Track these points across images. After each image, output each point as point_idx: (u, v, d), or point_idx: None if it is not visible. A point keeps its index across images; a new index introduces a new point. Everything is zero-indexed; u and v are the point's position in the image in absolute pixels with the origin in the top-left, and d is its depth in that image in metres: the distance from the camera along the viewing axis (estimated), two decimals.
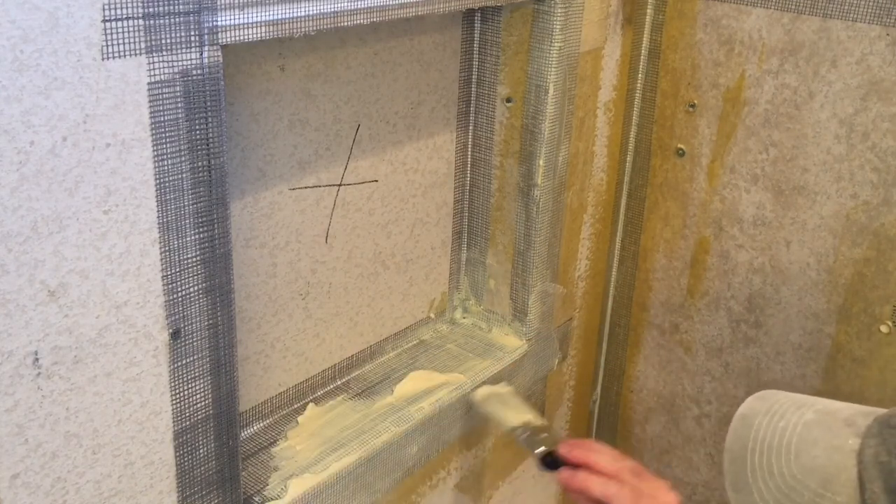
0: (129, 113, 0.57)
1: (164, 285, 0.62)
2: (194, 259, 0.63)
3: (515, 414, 0.96)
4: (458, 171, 1.03)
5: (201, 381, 0.67)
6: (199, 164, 0.61)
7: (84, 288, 0.58)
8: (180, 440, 0.67)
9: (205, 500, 0.71)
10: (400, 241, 0.98)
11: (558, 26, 0.93)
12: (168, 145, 0.59)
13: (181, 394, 0.66)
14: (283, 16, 0.64)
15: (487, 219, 1.06)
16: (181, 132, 0.60)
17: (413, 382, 0.96)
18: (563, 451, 0.86)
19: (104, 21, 0.53)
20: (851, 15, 0.96)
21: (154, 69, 0.57)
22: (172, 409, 0.66)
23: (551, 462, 0.87)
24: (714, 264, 1.15)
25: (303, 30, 0.66)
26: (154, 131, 0.58)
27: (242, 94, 0.75)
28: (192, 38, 0.58)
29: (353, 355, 0.97)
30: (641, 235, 1.21)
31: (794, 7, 1.00)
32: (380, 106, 0.89)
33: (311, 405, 0.91)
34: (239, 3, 0.61)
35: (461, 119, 1.01)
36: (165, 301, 0.63)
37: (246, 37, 0.62)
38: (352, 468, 0.84)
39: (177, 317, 0.64)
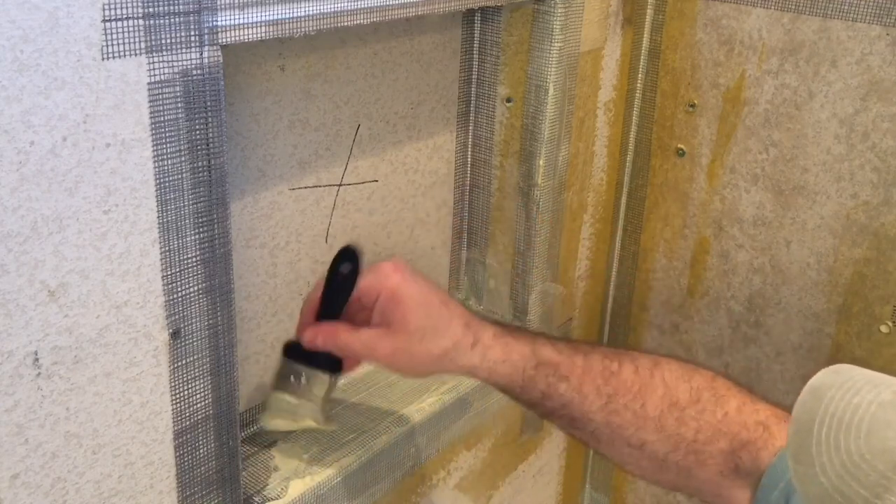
0: (129, 113, 0.57)
1: (164, 285, 0.62)
2: (194, 259, 0.63)
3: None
4: (458, 171, 1.04)
5: (201, 381, 0.67)
6: (199, 164, 0.61)
7: (84, 288, 0.58)
8: (180, 440, 0.67)
9: (205, 500, 0.71)
10: (400, 241, 0.98)
11: (558, 26, 0.93)
12: (168, 145, 0.59)
13: (181, 394, 0.66)
14: (283, 16, 0.64)
15: (487, 219, 1.06)
16: (181, 132, 0.60)
17: None
18: (301, 336, 0.74)
19: (104, 21, 0.53)
20: (851, 15, 0.96)
21: (154, 69, 0.57)
22: (172, 409, 0.66)
23: (306, 355, 0.75)
24: (714, 264, 1.15)
25: (303, 30, 0.66)
26: (154, 131, 0.58)
27: (242, 94, 0.75)
28: (192, 38, 0.58)
29: None
30: (641, 235, 1.21)
31: (794, 7, 1.00)
32: (380, 106, 0.89)
33: None
34: (239, 3, 0.61)
35: (461, 119, 1.01)
36: (165, 301, 0.63)
37: (246, 37, 0.62)
38: (352, 468, 0.84)
39: (177, 317, 0.64)
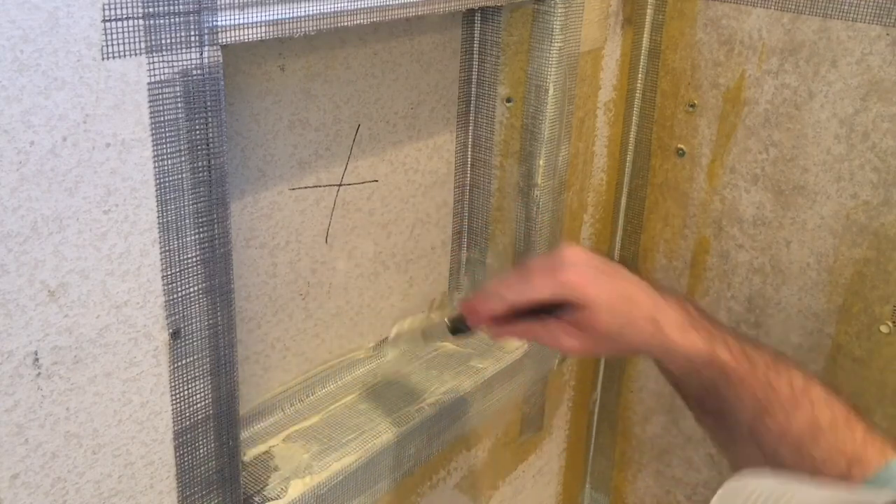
0: (129, 113, 0.57)
1: (164, 285, 0.62)
2: (194, 259, 0.63)
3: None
4: (458, 171, 1.04)
5: (201, 381, 0.67)
6: (199, 164, 0.61)
7: (84, 288, 0.58)
8: (180, 440, 0.67)
9: (205, 500, 0.71)
10: (400, 241, 0.98)
11: (558, 26, 0.93)
12: (168, 145, 0.59)
13: (181, 394, 0.66)
14: (283, 16, 0.64)
15: (487, 219, 1.06)
16: (181, 132, 0.60)
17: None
18: (466, 311, 0.76)
19: (104, 21, 0.54)
20: (851, 15, 0.96)
21: (154, 69, 0.57)
22: (172, 409, 0.66)
23: (462, 328, 0.78)
24: (714, 264, 1.15)
25: (303, 30, 0.66)
26: (154, 131, 0.58)
27: (242, 94, 0.75)
28: (192, 38, 0.58)
29: (352, 355, 0.97)
30: (641, 235, 1.21)
31: (794, 7, 1.00)
32: (380, 106, 0.89)
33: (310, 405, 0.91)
34: (239, 3, 0.61)
35: (461, 119, 1.01)
36: (165, 301, 0.63)
37: (246, 37, 0.62)
38: (352, 468, 0.84)
39: (177, 317, 0.64)
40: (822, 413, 0.71)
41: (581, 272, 0.72)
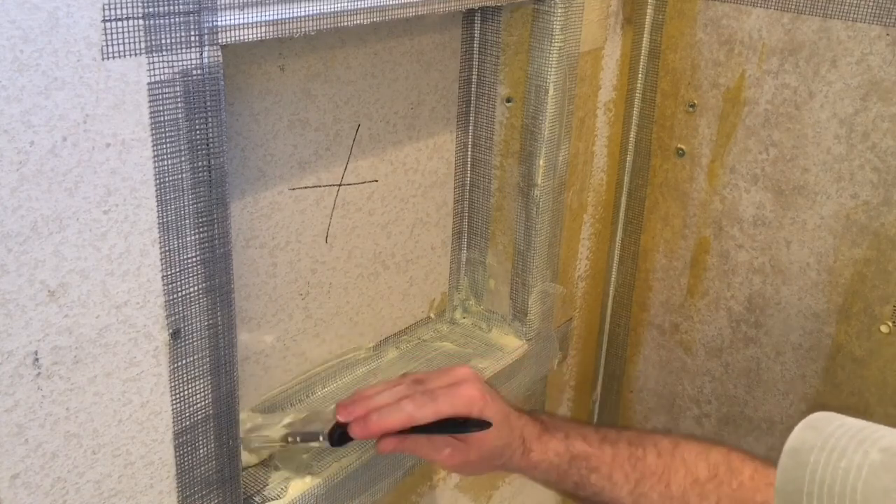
0: (129, 113, 0.57)
1: (164, 285, 0.62)
2: (194, 259, 0.63)
3: (276, 428, 0.81)
4: (458, 171, 1.04)
5: (201, 381, 0.67)
6: (199, 164, 0.61)
7: (84, 288, 0.58)
8: (180, 440, 0.67)
9: (205, 500, 0.71)
10: (400, 241, 0.98)
11: (558, 26, 0.93)
12: (168, 145, 0.59)
13: (181, 394, 0.66)
14: (283, 16, 0.64)
15: (487, 219, 1.06)
16: (181, 132, 0.60)
17: None
18: (344, 417, 0.75)
19: (104, 21, 0.54)
20: (851, 15, 0.96)
21: (154, 69, 0.57)
22: (172, 409, 0.66)
23: (341, 436, 0.75)
24: (714, 264, 1.15)
25: (303, 30, 0.66)
26: (154, 131, 0.58)
27: (242, 94, 0.75)
28: (192, 38, 0.58)
29: (353, 355, 0.97)
30: (641, 235, 1.21)
31: (794, 7, 1.00)
32: (380, 106, 0.89)
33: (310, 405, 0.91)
34: (239, 3, 0.61)
35: (461, 119, 1.01)
36: (165, 301, 0.63)
37: (246, 37, 0.62)
38: (352, 468, 0.84)
39: (177, 317, 0.64)
40: (698, 468, 0.74)
41: (480, 389, 0.76)
